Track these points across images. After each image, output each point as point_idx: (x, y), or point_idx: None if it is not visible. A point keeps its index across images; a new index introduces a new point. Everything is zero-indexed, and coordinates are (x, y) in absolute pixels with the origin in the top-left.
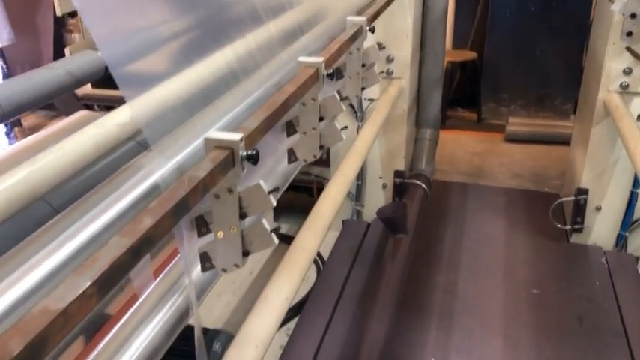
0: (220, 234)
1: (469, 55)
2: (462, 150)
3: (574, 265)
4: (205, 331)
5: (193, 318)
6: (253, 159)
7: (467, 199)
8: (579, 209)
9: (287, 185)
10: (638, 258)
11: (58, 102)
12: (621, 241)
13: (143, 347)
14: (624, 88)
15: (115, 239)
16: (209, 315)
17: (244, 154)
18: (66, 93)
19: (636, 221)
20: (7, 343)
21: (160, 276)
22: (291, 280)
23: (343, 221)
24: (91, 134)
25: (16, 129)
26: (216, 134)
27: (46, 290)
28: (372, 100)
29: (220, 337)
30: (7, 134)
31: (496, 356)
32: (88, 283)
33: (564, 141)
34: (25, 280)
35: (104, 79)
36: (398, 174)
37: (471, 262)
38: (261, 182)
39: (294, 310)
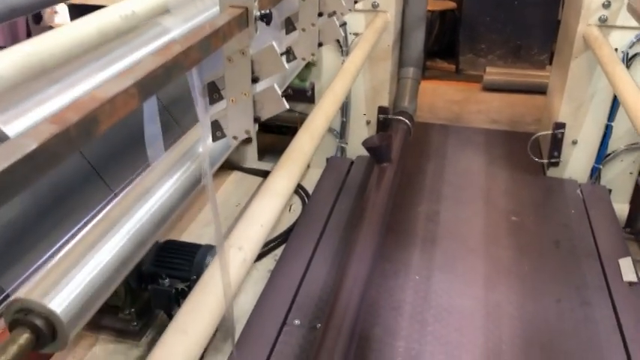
0: (233, 99)
1: (449, 4)
2: (441, 99)
3: (551, 197)
4: (198, 247)
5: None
6: (267, 18)
7: (448, 138)
8: (556, 143)
9: (285, 86)
10: (611, 190)
11: None
12: (595, 173)
13: (159, 205)
14: (603, 22)
15: (151, 57)
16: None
17: (258, 13)
18: None
19: (610, 154)
20: (65, 115)
21: (174, 145)
22: (290, 173)
23: (327, 158)
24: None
25: None
26: None
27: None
28: (357, 34)
29: (213, 252)
30: None
31: (477, 274)
32: (131, 83)
33: (540, 90)
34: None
35: None
36: (382, 110)
37: (453, 192)
38: (274, 43)
39: (281, 238)
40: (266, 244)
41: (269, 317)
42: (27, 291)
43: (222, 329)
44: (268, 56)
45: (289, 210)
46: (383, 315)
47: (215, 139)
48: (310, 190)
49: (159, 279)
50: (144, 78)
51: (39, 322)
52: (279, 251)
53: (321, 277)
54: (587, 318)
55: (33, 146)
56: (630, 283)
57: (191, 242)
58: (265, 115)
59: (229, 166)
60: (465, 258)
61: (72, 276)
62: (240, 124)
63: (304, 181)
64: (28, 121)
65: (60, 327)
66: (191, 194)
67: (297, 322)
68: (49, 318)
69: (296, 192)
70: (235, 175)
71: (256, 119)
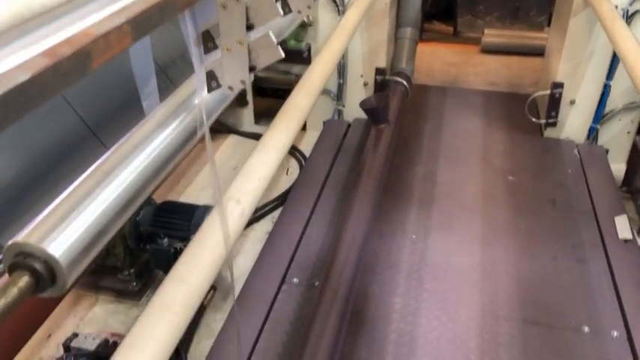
0: (227, 48)
1: None
2: (439, 61)
3: (548, 157)
4: (196, 207)
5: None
6: None
7: (446, 100)
8: (554, 103)
9: (280, 39)
10: (608, 150)
11: None
12: (593, 133)
13: (155, 154)
14: None
15: None
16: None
17: None
18: None
19: (608, 114)
20: (58, 49)
21: (169, 97)
22: (287, 128)
23: (324, 121)
24: None
25: None
26: None
27: None
28: None
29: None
30: None
31: (474, 233)
32: (124, 20)
33: (539, 52)
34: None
35: None
36: (379, 71)
37: (450, 153)
38: None
39: (279, 200)
40: (264, 206)
41: (268, 276)
42: (25, 235)
43: (221, 288)
44: (263, 2)
45: (286, 173)
46: (380, 273)
47: (210, 89)
48: (307, 153)
49: (157, 239)
50: (137, 16)
51: (38, 265)
52: (276, 213)
53: (319, 238)
54: (583, 275)
55: (25, 77)
56: (625, 241)
57: (189, 203)
58: (261, 64)
59: (226, 129)
60: (462, 217)
61: (70, 222)
62: (236, 74)
63: (301, 144)
64: (21, 59)
65: (59, 271)
66: (187, 146)
67: (295, 280)
68: (48, 262)
69: (293, 155)
70: (232, 139)
71: (251, 68)
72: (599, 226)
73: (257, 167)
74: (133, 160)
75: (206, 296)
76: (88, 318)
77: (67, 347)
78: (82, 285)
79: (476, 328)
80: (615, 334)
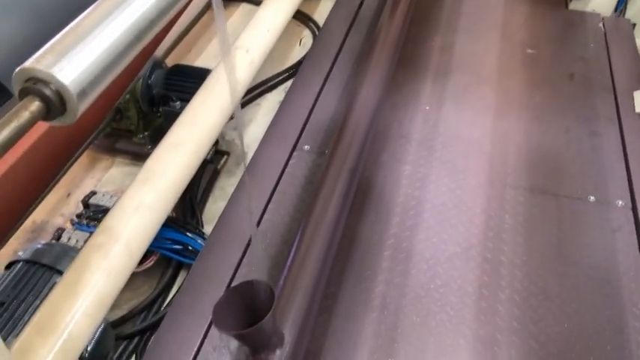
0: None
1: None
2: None
3: (570, 30)
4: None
5: None
6: None
7: None
8: None
9: None
10: (635, 24)
11: None
12: (621, 6)
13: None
14: None
15: None
16: None
17: None
18: None
19: None
20: None
21: None
22: None
23: None
24: None
25: None
26: None
27: None
28: None
29: None
30: None
31: (488, 105)
32: None
33: None
34: None
35: None
36: None
37: (469, 25)
38: None
39: (292, 70)
40: (276, 76)
41: (279, 143)
42: (34, 61)
43: (235, 154)
44: None
45: (299, 44)
46: (391, 142)
47: None
48: (321, 23)
49: (170, 102)
50: None
51: (48, 91)
52: (289, 84)
53: (331, 107)
54: (594, 146)
55: None
56: None
57: (201, 67)
58: None
59: None
60: (477, 89)
61: (79, 50)
62: None
63: (315, 13)
64: None
65: (69, 98)
66: None
67: (306, 147)
68: (58, 89)
69: (307, 25)
70: (244, 8)
71: None
72: (616, 100)
73: (266, 19)
74: None
75: (219, 161)
76: (105, 179)
77: (85, 204)
78: (98, 148)
79: (482, 195)
80: (620, 203)
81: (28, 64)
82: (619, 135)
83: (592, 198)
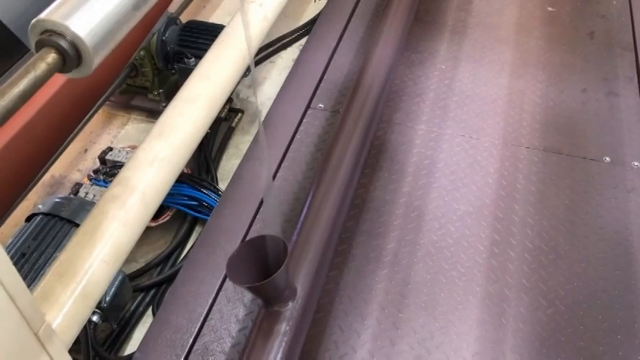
0: None
1: None
2: None
3: None
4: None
5: None
6: None
7: None
8: None
9: None
10: None
11: None
12: None
13: None
14: None
15: None
16: None
17: None
18: None
19: None
20: None
21: None
22: None
23: None
24: None
25: None
26: None
27: None
28: None
29: None
30: None
31: (505, 64)
32: None
33: None
34: None
35: None
36: None
37: None
38: None
39: (306, 28)
40: (291, 34)
41: (293, 101)
42: (50, 12)
43: (249, 112)
44: None
45: (314, 0)
46: (405, 101)
47: None
48: None
49: (184, 58)
50: None
51: (64, 43)
52: (303, 41)
53: (345, 65)
54: (612, 106)
55: None
56: None
57: (215, 23)
58: None
59: None
60: (494, 48)
61: (94, 3)
62: None
63: None
64: None
65: (85, 51)
66: None
67: (320, 105)
68: (74, 40)
69: None
70: None
71: None
72: (637, 60)
73: None
74: None
75: (234, 119)
76: (121, 135)
77: (102, 160)
78: (114, 105)
79: (497, 154)
80: (636, 164)
81: (43, 15)
82: (638, 95)
83: (607, 159)
